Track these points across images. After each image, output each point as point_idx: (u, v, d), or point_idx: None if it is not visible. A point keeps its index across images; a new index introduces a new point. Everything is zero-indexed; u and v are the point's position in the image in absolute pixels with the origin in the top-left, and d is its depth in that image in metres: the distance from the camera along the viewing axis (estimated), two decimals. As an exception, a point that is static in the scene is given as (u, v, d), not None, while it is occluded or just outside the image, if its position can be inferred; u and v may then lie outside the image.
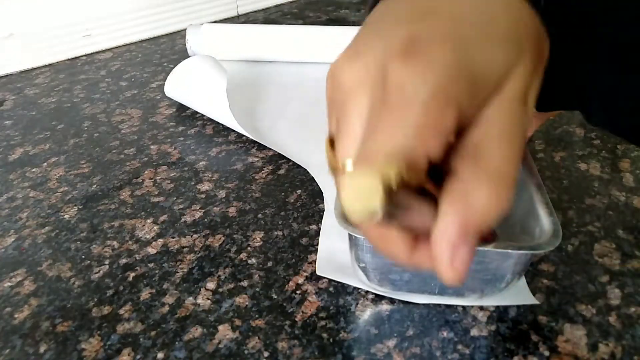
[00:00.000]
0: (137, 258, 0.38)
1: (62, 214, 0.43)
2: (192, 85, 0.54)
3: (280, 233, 0.39)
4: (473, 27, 0.18)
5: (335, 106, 0.20)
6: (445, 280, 0.18)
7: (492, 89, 0.18)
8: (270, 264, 0.37)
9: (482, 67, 0.17)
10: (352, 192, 0.16)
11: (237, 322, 0.32)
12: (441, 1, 0.19)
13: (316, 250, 0.37)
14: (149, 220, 0.41)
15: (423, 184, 0.18)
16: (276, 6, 0.89)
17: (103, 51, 0.75)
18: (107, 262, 0.38)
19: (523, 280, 0.34)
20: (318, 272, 0.35)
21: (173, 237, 0.39)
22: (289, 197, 0.43)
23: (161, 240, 0.39)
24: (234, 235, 0.39)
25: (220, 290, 0.35)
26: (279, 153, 0.48)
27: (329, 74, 0.20)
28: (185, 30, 0.68)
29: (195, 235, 0.40)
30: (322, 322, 0.32)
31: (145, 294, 0.35)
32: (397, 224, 0.18)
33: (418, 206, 0.18)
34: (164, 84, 0.57)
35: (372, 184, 0.16)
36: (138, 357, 0.31)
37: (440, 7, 0.18)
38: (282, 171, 0.46)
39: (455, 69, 0.17)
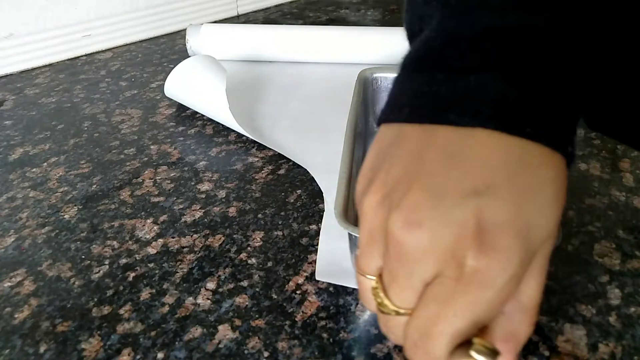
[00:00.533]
0: (137, 258, 0.38)
1: (62, 214, 0.43)
2: (192, 85, 0.54)
3: (280, 233, 0.39)
4: (531, 200, 0.19)
5: (388, 254, 0.21)
6: None
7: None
8: (270, 264, 0.37)
9: (539, 239, 0.20)
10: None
11: (237, 322, 0.32)
12: (490, 162, 0.20)
13: (316, 250, 0.37)
14: (149, 220, 0.41)
15: None
16: (276, 6, 0.89)
17: (103, 51, 0.75)
18: (107, 262, 0.38)
19: (523, 280, 0.34)
20: (317, 277, 0.35)
21: (173, 237, 0.39)
22: (289, 197, 0.43)
23: (161, 240, 0.39)
24: (234, 235, 0.39)
25: (220, 290, 0.35)
26: (279, 153, 0.48)
27: (363, 204, 0.22)
28: (185, 30, 0.68)
29: (195, 235, 0.40)
30: (322, 322, 0.32)
31: (145, 294, 0.35)
32: None
33: None
34: (164, 84, 0.57)
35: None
36: (138, 357, 0.31)
37: (497, 176, 0.19)
38: (282, 171, 0.46)
39: (524, 255, 0.19)
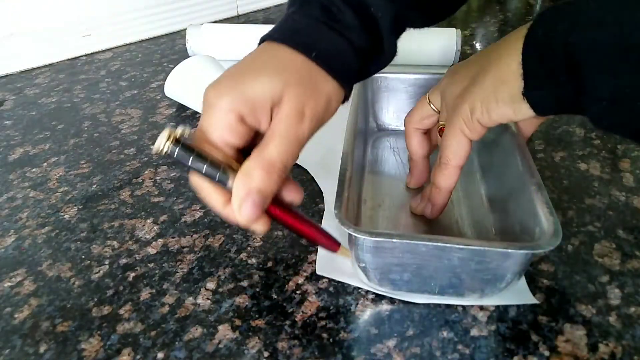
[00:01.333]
0: (137, 258, 0.38)
1: (62, 214, 0.43)
2: (192, 85, 0.54)
3: (280, 233, 0.39)
4: (245, 69, 0.29)
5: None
6: (240, 221, 0.28)
7: (269, 108, 0.28)
8: (270, 264, 0.37)
9: (256, 94, 0.27)
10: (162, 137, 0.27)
11: (237, 322, 0.32)
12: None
13: (316, 250, 0.37)
14: (149, 220, 0.41)
15: (231, 164, 0.28)
16: (276, 6, 0.89)
17: (103, 51, 0.75)
18: (107, 262, 0.38)
19: (523, 280, 0.34)
20: (318, 272, 0.35)
21: (173, 237, 0.39)
22: (289, 197, 0.43)
23: (161, 240, 0.39)
24: (234, 235, 0.39)
25: (220, 290, 0.35)
26: (279, 153, 0.48)
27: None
28: (185, 30, 0.68)
29: (195, 235, 0.40)
30: (322, 322, 0.32)
31: (145, 294, 0.35)
32: (215, 183, 0.28)
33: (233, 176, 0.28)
34: (164, 84, 0.57)
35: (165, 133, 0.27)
36: (138, 357, 0.31)
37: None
38: (282, 171, 0.46)
39: (236, 98, 0.27)
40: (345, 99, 0.31)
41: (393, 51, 0.32)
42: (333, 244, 0.31)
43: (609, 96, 0.26)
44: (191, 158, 0.27)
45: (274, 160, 0.27)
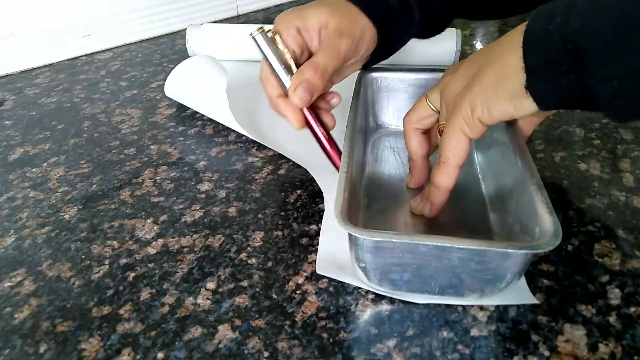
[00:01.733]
0: (137, 258, 0.38)
1: (62, 214, 0.43)
2: (192, 85, 0.54)
3: (280, 233, 0.39)
4: (306, 5, 0.40)
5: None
6: (292, 102, 0.38)
7: (318, 29, 0.39)
8: (270, 264, 0.37)
9: (309, 17, 0.39)
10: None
11: (237, 322, 0.32)
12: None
13: (316, 250, 0.37)
14: (149, 220, 0.41)
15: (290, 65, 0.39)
16: (276, 6, 0.89)
17: (103, 51, 0.75)
18: (107, 262, 0.38)
19: (523, 280, 0.34)
20: (318, 271, 0.35)
21: (173, 237, 0.39)
22: (289, 197, 0.43)
23: (161, 240, 0.39)
24: (234, 235, 0.39)
25: (220, 290, 0.35)
26: (279, 153, 0.48)
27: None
28: (185, 30, 0.68)
29: (195, 235, 0.40)
30: (322, 322, 0.32)
31: (145, 294, 0.35)
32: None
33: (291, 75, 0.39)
34: (164, 84, 0.57)
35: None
36: (138, 357, 0.31)
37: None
38: (282, 171, 0.46)
39: (296, 18, 0.39)
40: (379, 42, 0.41)
41: (416, 24, 0.42)
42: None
43: (618, 74, 0.26)
44: (269, 48, 0.38)
45: (319, 63, 0.37)
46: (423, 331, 0.31)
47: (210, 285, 0.35)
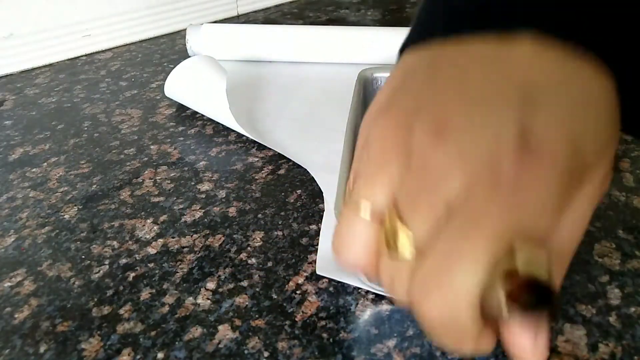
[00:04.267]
0: (137, 258, 0.38)
1: (62, 214, 0.43)
2: (192, 85, 0.54)
3: (280, 233, 0.39)
4: (582, 114, 0.18)
5: (409, 172, 0.19)
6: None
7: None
8: (270, 264, 0.37)
9: (590, 154, 0.18)
10: None
11: (237, 322, 0.32)
12: (539, 76, 0.18)
13: (316, 250, 0.37)
14: (149, 220, 0.41)
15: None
16: (276, 6, 0.89)
17: (103, 51, 0.75)
18: (107, 262, 0.38)
19: (523, 280, 0.34)
20: (318, 272, 0.35)
21: (173, 237, 0.39)
22: (289, 197, 0.43)
23: (161, 240, 0.39)
24: (234, 235, 0.39)
25: (220, 290, 0.35)
26: (279, 153, 0.48)
27: (378, 125, 0.21)
28: (185, 30, 0.68)
29: (195, 235, 0.40)
30: (322, 322, 0.32)
31: (145, 294, 0.35)
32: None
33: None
34: (164, 84, 0.57)
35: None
36: (138, 357, 0.31)
37: (545, 90, 0.17)
38: (282, 171, 0.46)
39: (572, 164, 0.17)
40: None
41: None
42: None
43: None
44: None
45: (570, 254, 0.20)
46: (423, 331, 0.31)
47: (210, 285, 0.35)
